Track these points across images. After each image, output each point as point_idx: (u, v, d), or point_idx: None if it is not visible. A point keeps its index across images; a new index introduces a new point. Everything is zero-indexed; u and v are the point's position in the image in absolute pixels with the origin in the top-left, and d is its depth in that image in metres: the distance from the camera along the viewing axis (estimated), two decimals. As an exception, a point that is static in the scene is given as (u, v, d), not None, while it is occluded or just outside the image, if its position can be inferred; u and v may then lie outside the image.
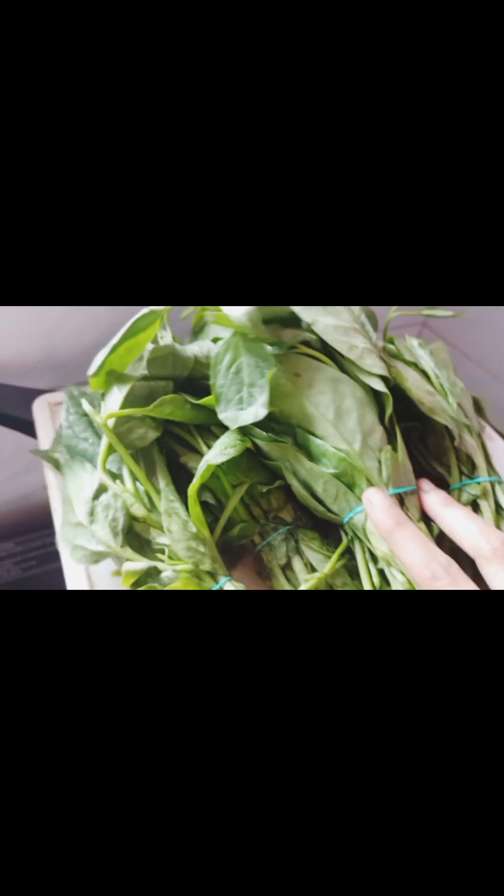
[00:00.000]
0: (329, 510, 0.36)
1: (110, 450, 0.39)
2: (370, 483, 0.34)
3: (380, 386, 0.35)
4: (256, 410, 0.33)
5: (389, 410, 0.35)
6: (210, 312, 0.40)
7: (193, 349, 0.42)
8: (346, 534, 0.36)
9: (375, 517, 0.32)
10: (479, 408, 0.49)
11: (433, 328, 0.82)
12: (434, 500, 0.33)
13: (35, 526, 0.69)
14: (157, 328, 0.39)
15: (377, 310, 0.45)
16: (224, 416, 0.34)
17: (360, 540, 0.35)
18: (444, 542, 0.36)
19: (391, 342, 0.44)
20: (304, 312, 0.37)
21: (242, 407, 0.35)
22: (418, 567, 0.29)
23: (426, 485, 0.35)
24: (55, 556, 0.67)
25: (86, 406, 0.41)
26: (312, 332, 0.38)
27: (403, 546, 0.30)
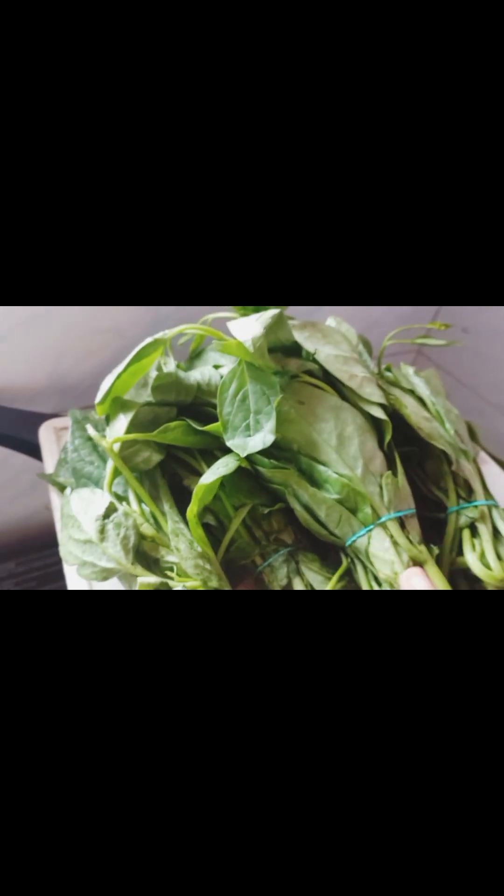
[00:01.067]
0: (332, 534, 0.37)
1: (116, 473, 0.40)
2: (373, 507, 0.35)
3: (379, 413, 0.37)
4: (264, 437, 0.34)
5: (389, 437, 0.37)
6: (216, 342, 0.41)
7: (196, 376, 0.44)
8: (347, 556, 0.37)
9: None
10: (472, 433, 0.51)
11: (427, 355, 0.84)
12: None
13: (35, 547, 0.69)
14: (160, 355, 0.41)
15: (371, 337, 0.47)
16: (232, 443, 0.35)
17: (363, 563, 0.36)
18: (443, 565, 0.37)
19: (388, 370, 0.46)
20: (307, 342, 0.39)
21: (249, 434, 0.36)
22: None
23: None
24: (55, 576, 0.68)
25: (90, 431, 0.42)
26: (315, 361, 0.39)
27: None
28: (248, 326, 0.37)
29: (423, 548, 0.34)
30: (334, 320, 0.46)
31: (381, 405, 0.37)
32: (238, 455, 0.36)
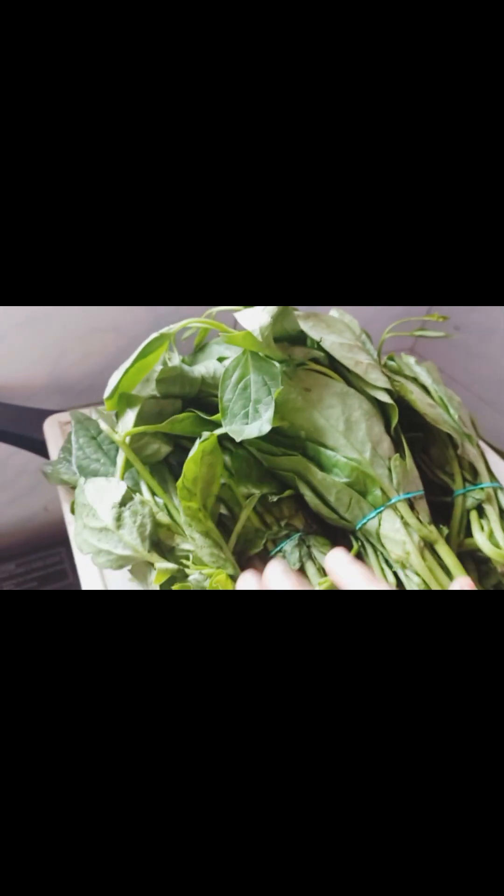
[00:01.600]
0: (342, 518, 0.37)
1: (127, 465, 0.40)
2: (382, 490, 0.35)
3: (385, 398, 0.38)
4: (261, 425, 0.35)
5: (395, 421, 0.38)
6: (222, 335, 0.42)
7: (200, 370, 0.44)
8: (358, 540, 0.38)
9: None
10: (473, 424, 0.52)
11: (422, 354, 0.86)
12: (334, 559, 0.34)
13: (36, 547, 0.69)
14: (165, 350, 0.41)
15: (371, 331, 0.48)
16: (229, 428, 0.36)
17: (373, 545, 0.36)
18: (452, 547, 0.37)
19: (391, 359, 0.47)
20: (312, 331, 0.40)
21: (247, 421, 0.36)
22: None
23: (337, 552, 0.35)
24: (56, 577, 0.67)
25: (103, 425, 0.42)
26: (320, 349, 0.40)
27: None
28: (256, 316, 0.37)
29: (433, 528, 0.35)
30: (337, 311, 0.47)
31: (387, 390, 0.38)
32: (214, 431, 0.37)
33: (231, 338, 0.37)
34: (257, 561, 0.42)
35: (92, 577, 0.41)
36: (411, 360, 0.47)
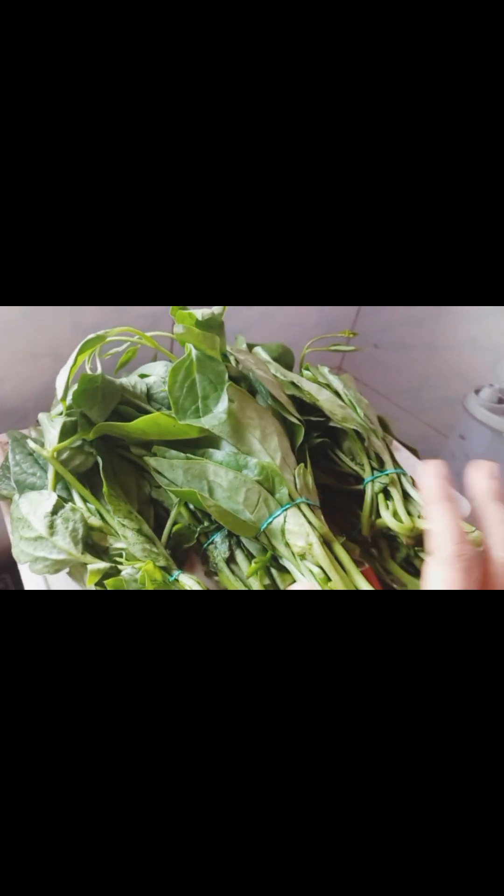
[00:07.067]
0: (246, 522, 0.39)
1: (58, 477, 0.43)
2: (289, 491, 0.39)
3: (293, 419, 0.42)
4: (218, 415, 0.39)
5: (300, 439, 0.42)
6: (176, 328, 0.44)
7: (122, 380, 0.48)
8: (263, 544, 0.40)
9: (426, 482, 0.28)
10: (385, 426, 0.58)
11: (347, 370, 0.92)
12: (429, 486, 0.28)
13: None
14: (98, 349, 0.44)
15: (290, 335, 0.54)
16: (186, 422, 0.39)
17: (275, 547, 0.39)
18: (365, 527, 0.42)
19: (307, 369, 0.52)
20: (244, 363, 0.44)
21: (199, 416, 0.40)
22: (440, 541, 0.26)
23: (432, 467, 0.29)
24: None
25: (31, 444, 0.45)
26: (241, 371, 0.44)
27: (436, 517, 0.27)
28: (196, 310, 0.41)
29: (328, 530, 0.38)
30: (261, 349, 0.52)
31: (297, 398, 0.42)
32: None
33: (180, 315, 0.40)
34: (193, 554, 0.45)
35: (36, 584, 0.43)
36: (325, 369, 0.52)
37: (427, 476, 0.28)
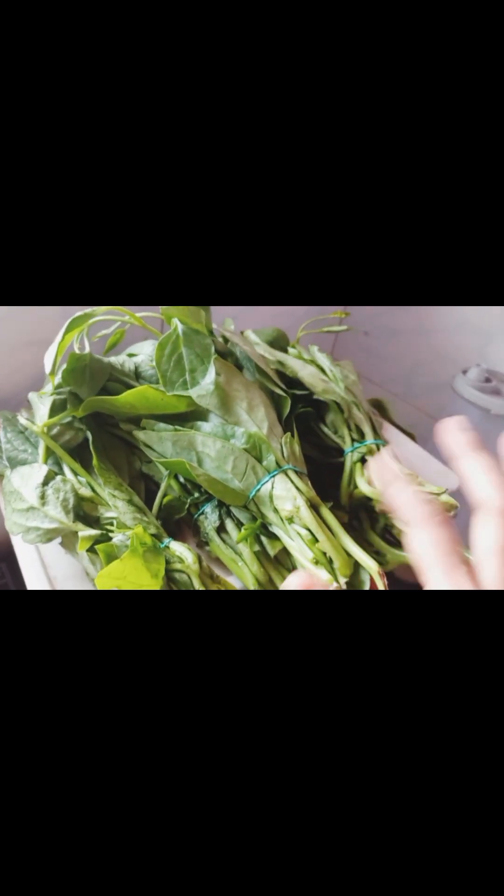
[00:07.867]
0: (235, 490, 0.41)
1: (48, 453, 0.45)
2: (276, 458, 0.40)
3: (279, 391, 0.44)
4: (207, 386, 0.40)
5: (286, 411, 0.44)
6: (163, 309, 0.45)
7: (110, 359, 0.49)
8: (252, 512, 0.41)
9: (450, 439, 0.27)
10: (382, 408, 0.59)
11: (339, 359, 0.94)
12: (460, 441, 0.27)
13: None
14: (84, 328, 0.45)
15: (280, 323, 0.55)
16: (173, 393, 0.40)
17: (264, 514, 0.40)
18: (344, 496, 0.43)
19: (293, 346, 0.54)
20: (229, 336, 0.46)
21: (187, 388, 0.41)
22: (479, 493, 0.25)
23: (460, 423, 0.28)
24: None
25: (22, 420, 0.46)
26: (228, 348, 0.46)
27: (468, 471, 0.26)
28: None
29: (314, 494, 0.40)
30: (252, 333, 0.54)
31: (281, 373, 0.44)
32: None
33: (167, 309, 0.42)
34: (184, 525, 0.46)
35: (29, 555, 0.44)
36: (315, 348, 0.54)
37: (451, 432, 0.27)
